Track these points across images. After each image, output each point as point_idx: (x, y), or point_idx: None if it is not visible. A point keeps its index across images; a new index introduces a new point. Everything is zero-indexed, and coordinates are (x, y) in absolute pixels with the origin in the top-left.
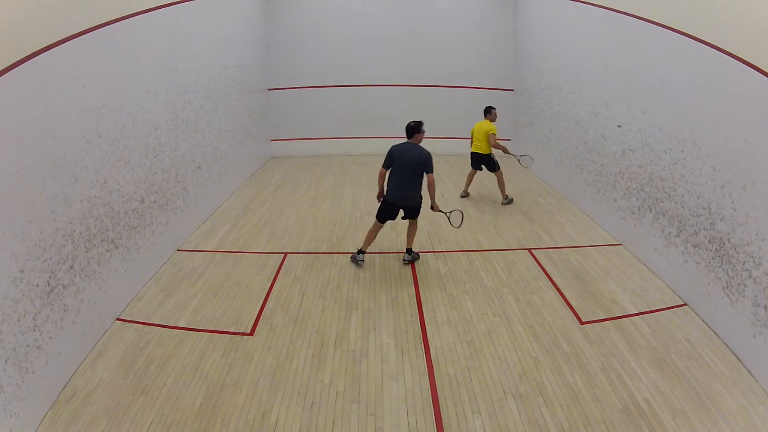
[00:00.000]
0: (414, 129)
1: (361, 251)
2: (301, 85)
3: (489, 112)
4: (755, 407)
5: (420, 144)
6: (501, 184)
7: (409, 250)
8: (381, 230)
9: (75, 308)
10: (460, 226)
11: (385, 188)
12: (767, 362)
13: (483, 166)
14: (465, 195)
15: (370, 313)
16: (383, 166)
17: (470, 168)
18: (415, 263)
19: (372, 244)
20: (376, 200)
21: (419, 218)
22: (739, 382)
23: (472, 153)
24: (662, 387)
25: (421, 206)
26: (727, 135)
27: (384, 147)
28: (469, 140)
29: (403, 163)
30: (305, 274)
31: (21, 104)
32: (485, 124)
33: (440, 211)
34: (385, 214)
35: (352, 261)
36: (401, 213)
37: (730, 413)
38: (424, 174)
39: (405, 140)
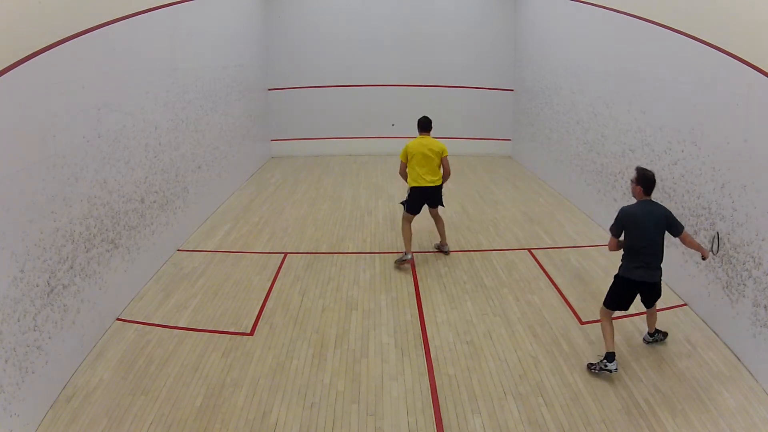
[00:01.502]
0: (428, 125)
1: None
2: (301, 85)
3: (429, 125)
4: (755, 407)
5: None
6: (442, 225)
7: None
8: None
9: (75, 308)
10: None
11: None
12: (767, 362)
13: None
14: (445, 247)
15: (370, 313)
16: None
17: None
18: (415, 263)
19: (372, 243)
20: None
21: (419, 220)
22: (739, 382)
23: (421, 189)
24: (662, 387)
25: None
26: (727, 135)
27: (384, 147)
28: (402, 167)
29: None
30: (305, 274)
31: (21, 104)
32: (435, 143)
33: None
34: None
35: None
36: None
37: (730, 413)
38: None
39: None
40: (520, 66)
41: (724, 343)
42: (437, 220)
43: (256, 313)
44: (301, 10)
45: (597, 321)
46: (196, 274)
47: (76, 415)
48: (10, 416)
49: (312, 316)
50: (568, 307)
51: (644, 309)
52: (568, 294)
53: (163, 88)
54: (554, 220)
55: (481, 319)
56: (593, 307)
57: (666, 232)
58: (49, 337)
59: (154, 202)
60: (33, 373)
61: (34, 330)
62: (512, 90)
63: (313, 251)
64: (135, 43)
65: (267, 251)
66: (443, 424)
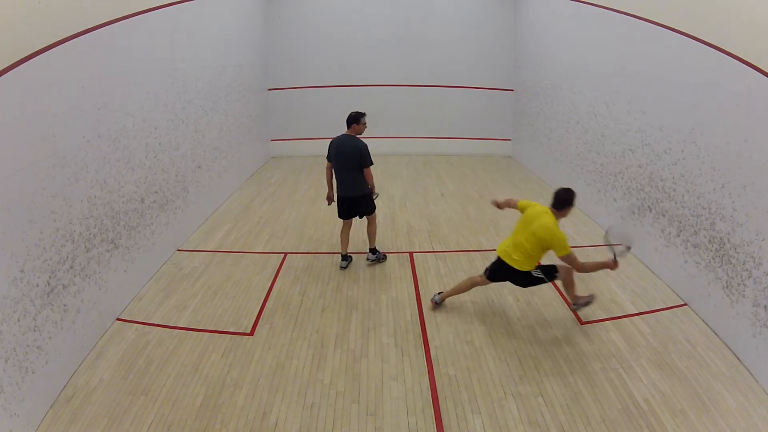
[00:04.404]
0: (353, 119)
1: (343, 257)
2: (301, 85)
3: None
4: (755, 407)
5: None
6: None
7: (372, 250)
8: (382, 245)
9: (75, 308)
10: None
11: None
12: (767, 362)
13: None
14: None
15: (370, 313)
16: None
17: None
18: (415, 264)
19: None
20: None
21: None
22: (739, 382)
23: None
24: (662, 387)
25: (370, 200)
26: (727, 135)
27: (384, 147)
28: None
29: (340, 157)
30: (305, 274)
31: (21, 104)
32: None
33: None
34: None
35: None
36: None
37: (730, 413)
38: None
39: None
40: (520, 66)
41: (724, 343)
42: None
43: (256, 313)
44: (301, 10)
45: (597, 321)
46: (196, 274)
47: (76, 415)
48: (10, 416)
49: (312, 316)
50: (568, 307)
51: (644, 309)
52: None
53: (163, 88)
54: None
55: (481, 319)
56: (593, 307)
57: None
58: (49, 337)
59: (154, 202)
60: (33, 373)
61: (34, 330)
62: (512, 90)
63: (313, 251)
64: (135, 43)
65: (267, 251)
66: (443, 424)
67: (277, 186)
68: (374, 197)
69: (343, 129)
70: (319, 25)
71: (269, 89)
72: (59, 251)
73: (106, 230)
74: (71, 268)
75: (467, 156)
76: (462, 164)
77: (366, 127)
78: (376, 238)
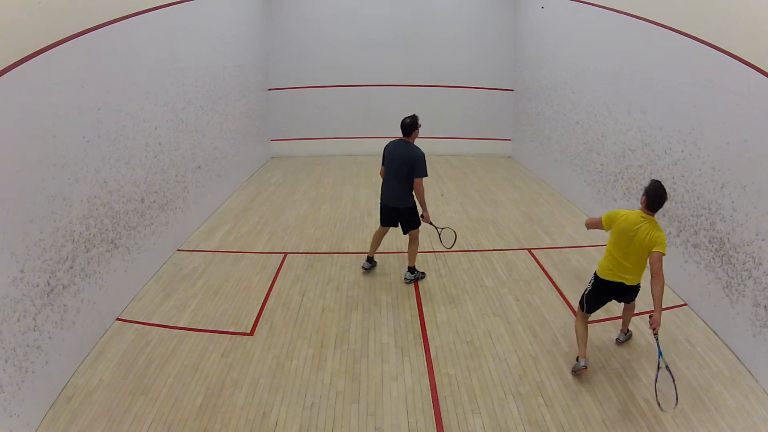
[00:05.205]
0: (412, 125)
1: (368, 258)
2: (301, 85)
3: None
4: (755, 407)
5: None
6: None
7: (410, 269)
8: (382, 245)
9: (75, 308)
10: (452, 246)
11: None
12: (767, 362)
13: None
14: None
15: (370, 313)
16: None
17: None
18: (415, 264)
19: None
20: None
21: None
22: (739, 382)
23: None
24: (662, 387)
25: (416, 214)
26: (727, 135)
27: (383, 147)
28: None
29: (390, 163)
30: (305, 274)
31: (21, 104)
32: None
33: (430, 223)
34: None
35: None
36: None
37: (730, 413)
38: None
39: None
40: (520, 66)
41: (724, 343)
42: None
43: (256, 313)
44: (301, 10)
45: (597, 321)
46: (196, 274)
47: (76, 415)
48: (10, 416)
49: (312, 316)
50: (568, 307)
51: (644, 309)
52: (568, 294)
53: (163, 88)
54: (554, 220)
55: (481, 319)
56: None
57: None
58: (49, 337)
59: (154, 202)
60: (33, 373)
61: (34, 330)
62: (512, 90)
63: (313, 251)
64: (135, 43)
65: (267, 251)
66: (443, 424)
67: (277, 186)
68: (436, 228)
69: (343, 129)
70: (319, 25)
71: (269, 89)
72: (59, 251)
73: (106, 230)
74: (71, 268)
75: (467, 156)
76: (462, 164)
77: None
78: (416, 258)
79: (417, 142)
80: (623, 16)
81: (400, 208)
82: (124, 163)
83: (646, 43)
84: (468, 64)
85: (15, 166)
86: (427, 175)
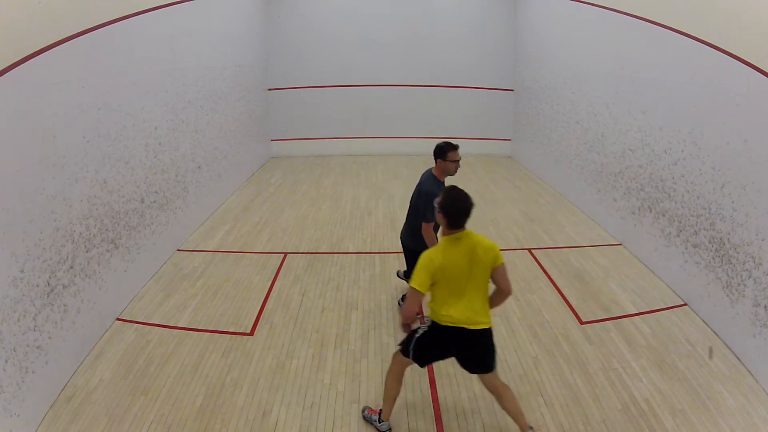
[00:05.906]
0: (437, 152)
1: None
2: (301, 85)
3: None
4: (755, 407)
5: (435, 174)
6: None
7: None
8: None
9: (75, 308)
10: None
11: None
12: (767, 362)
13: None
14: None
15: (370, 313)
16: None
17: None
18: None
19: (372, 243)
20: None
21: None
22: (739, 382)
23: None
24: (662, 387)
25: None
26: (727, 135)
27: (384, 147)
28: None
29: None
30: (305, 274)
31: (21, 104)
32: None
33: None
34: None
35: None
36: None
37: (730, 413)
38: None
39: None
40: (520, 66)
41: (724, 343)
42: None
43: (256, 313)
44: (301, 10)
45: (597, 321)
46: (196, 274)
47: (76, 415)
48: (10, 416)
49: (312, 316)
50: (568, 307)
51: (644, 309)
52: (568, 294)
53: (163, 88)
54: (554, 220)
55: None
56: (593, 307)
57: None
58: (49, 337)
59: (154, 202)
60: (33, 373)
61: (34, 330)
62: (512, 90)
63: (313, 251)
64: (135, 43)
65: (267, 251)
66: (443, 424)
67: (277, 186)
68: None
69: (343, 129)
70: (319, 25)
71: (269, 89)
72: (59, 251)
73: (106, 230)
74: (71, 268)
75: (467, 156)
76: (462, 164)
77: (458, 167)
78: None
79: (448, 180)
80: (623, 16)
81: (404, 244)
82: (124, 163)
83: (646, 43)
84: (468, 65)
85: (15, 166)
86: (429, 222)
